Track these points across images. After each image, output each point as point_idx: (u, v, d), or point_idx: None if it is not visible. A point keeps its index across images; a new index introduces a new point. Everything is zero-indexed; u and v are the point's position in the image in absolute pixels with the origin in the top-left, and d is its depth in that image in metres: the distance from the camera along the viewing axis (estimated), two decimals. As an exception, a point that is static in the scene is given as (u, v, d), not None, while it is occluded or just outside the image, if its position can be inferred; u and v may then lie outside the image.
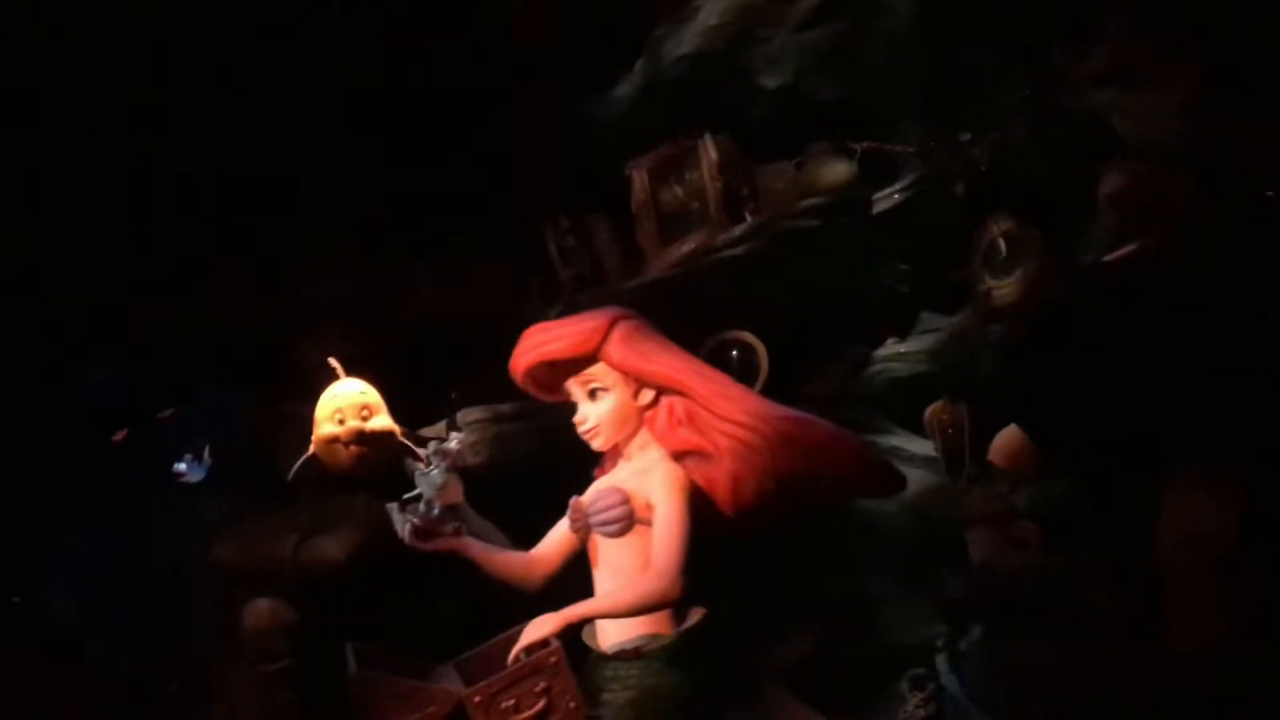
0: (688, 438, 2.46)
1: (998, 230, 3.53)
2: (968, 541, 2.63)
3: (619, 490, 2.44)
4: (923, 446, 3.61)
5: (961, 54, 3.54)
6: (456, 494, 2.49)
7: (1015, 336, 2.54)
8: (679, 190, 4.07)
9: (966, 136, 3.53)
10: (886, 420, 3.75)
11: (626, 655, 2.28)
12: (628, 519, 2.41)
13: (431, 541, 2.51)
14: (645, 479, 2.44)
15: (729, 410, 2.43)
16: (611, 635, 2.31)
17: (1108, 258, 2.44)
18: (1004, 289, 3.49)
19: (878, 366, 3.71)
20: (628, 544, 2.41)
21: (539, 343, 2.60)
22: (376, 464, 3.34)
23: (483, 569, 2.57)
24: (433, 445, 2.53)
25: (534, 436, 3.54)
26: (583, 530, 2.50)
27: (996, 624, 2.30)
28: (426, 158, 4.32)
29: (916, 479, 3.53)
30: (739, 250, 3.73)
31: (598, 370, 2.53)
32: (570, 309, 4.13)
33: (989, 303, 3.51)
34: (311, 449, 3.43)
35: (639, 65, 4.05)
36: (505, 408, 3.61)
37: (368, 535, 3.63)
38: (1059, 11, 3.23)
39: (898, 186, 3.66)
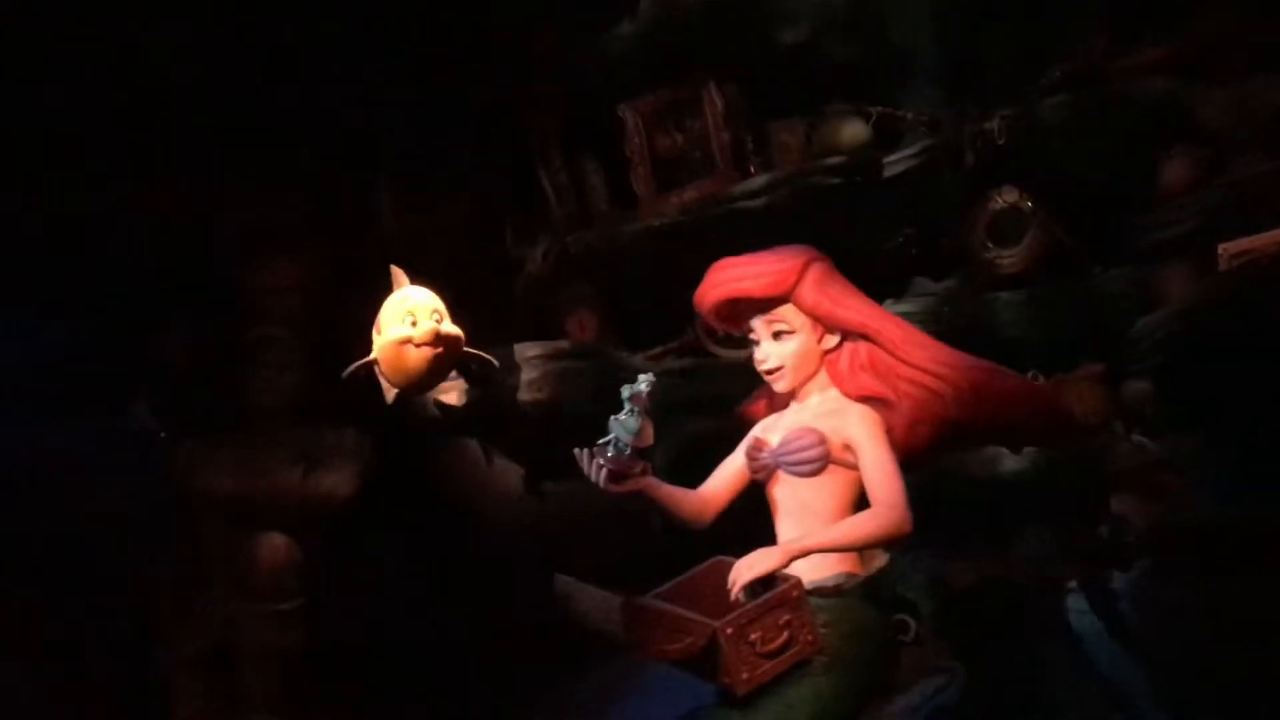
0: (869, 384, 2.47)
1: (1001, 202, 3.74)
2: (1112, 493, 2.77)
3: (816, 431, 2.43)
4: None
5: (983, 29, 3.70)
6: (649, 437, 2.40)
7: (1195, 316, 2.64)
8: (679, 137, 4.06)
9: (979, 110, 3.69)
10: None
11: (826, 592, 2.29)
12: (824, 459, 2.40)
13: (623, 484, 2.41)
14: (838, 420, 2.44)
15: (919, 357, 2.45)
16: (805, 573, 2.30)
17: (1239, 244, 2.60)
18: (1009, 259, 3.69)
19: (878, 325, 3.82)
20: (821, 484, 2.41)
21: (733, 278, 2.53)
22: (445, 369, 3.18)
23: (664, 507, 2.50)
24: (626, 389, 2.42)
25: (594, 376, 3.46)
26: (767, 470, 2.48)
27: (1171, 567, 2.45)
28: (404, 77, 4.09)
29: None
30: (757, 202, 3.76)
31: (786, 311, 2.49)
32: (559, 248, 4.08)
33: (992, 271, 3.71)
34: (374, 354, 3.23)
35: (646, 2, 3.97)
36: (562, 345, 3.51)
37: (367, 471, 3.49)
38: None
39: (908, 152, 3.77)
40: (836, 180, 3.70)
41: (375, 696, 3.24)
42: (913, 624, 3.60)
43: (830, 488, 2.39)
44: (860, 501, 2.42)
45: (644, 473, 2.40)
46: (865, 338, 2.49)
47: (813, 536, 2.28)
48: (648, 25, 3.97)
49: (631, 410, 2.34)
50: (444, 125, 4.17)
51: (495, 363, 3.28)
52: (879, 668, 2.25)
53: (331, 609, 3.25)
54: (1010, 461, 3.49)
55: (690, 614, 2.13)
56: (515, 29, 4.04)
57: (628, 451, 2.34)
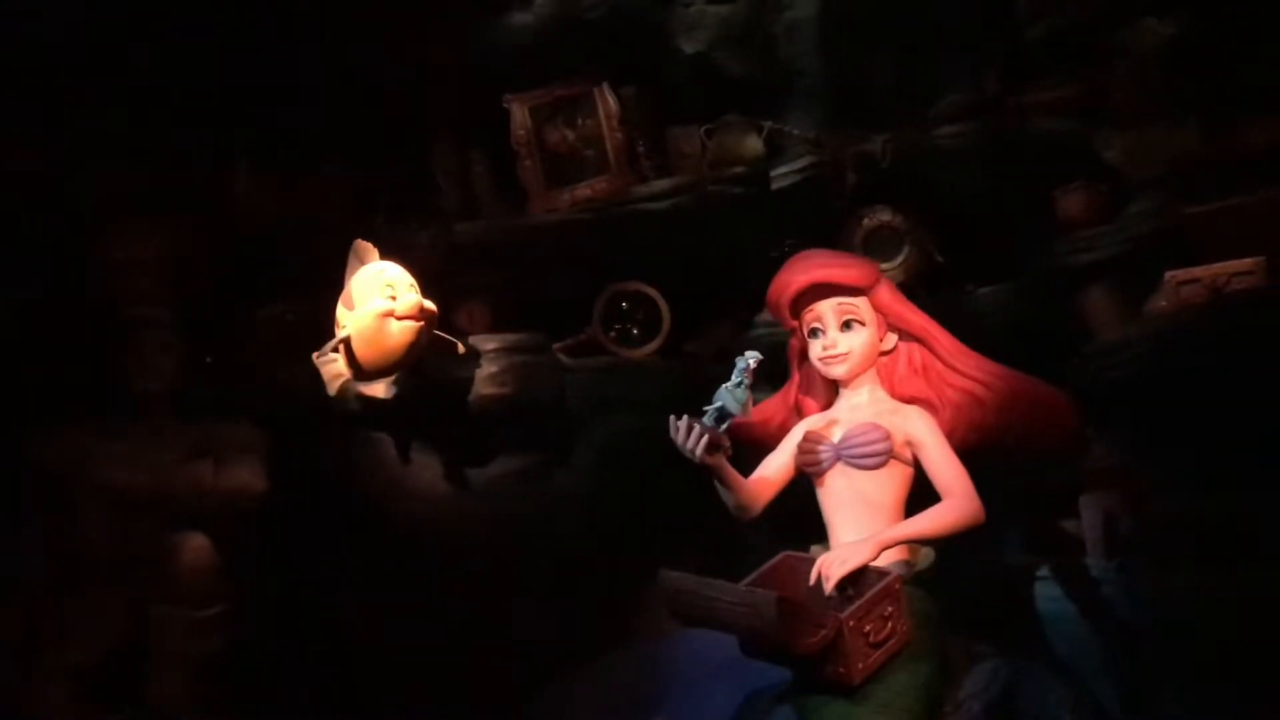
0: (921, 387, 2.62)
1: (875, 221, 4.01)
2: (1085, 494, 3.00)
3: (881, 426, 2.53)
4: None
5: (870, 54, 3.95)
6: (751, 409, 2.43)
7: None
8: (569, 134, 4.06)
9: (861, 132, 3.93)
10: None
11: (892, 582, 2.38)
12: (888, 453, 2.53)
13: (713, 455, 2.41)
14: (897, 418, 2.57)
15: (968, 365, 2.61)
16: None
17: (1188, 273, 2.95)
18: (886, 272, 3.95)
19: (762, 330, 3.99)
20: (881, 477, 2.53)
21: (824, 264, 2.67)
22: (424, 346, 3.04)
23: (728, 487, 2.52)
24: (740, 360, 2.44)
25: (552, 371, 3.37)
26: (827, 462, 2.55)
27: (1158, 555, 2.73)
28: (277, 44, 3.84)
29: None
30: (661, 205, 3.84)
31: (861, 303, 2.65)
32: (444, 236, 3.96)
33: (868, 284, 3.97)
34: (347, 331, 3.01)
35: (547, -3, 3.95)
36: (517, 337, 3.40)
37: (267, 464, 3.25)
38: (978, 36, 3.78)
39: (794, 167, 3.95)
40: (738, 189, 3.85)
41: (294, 703, 3.04)
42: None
43: (890, 481, 2.54)
44: (912, 496, 2.60)
45: (727, 451, 2.45)
46: (923, 342, 2.66)
47: (899, 528, 2.41)
48: (548, 20, 3.95)
49: (740, 382, 2.39)
50: (318, 99, 3.96)
51: (461, 346, 3.18)
52: (944, 654, 2.39)
53: (250, 613, 3.02)
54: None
55: (819, 609, 2.19)
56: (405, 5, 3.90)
57: (727, 423, 2.37)
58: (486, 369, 3.31)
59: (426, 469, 3.33)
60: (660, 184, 3.88)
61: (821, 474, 2.61)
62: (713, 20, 3.99)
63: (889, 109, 3.92)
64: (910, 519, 2.47)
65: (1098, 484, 2.91)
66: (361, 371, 3.12)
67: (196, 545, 2.97)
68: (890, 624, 2.24)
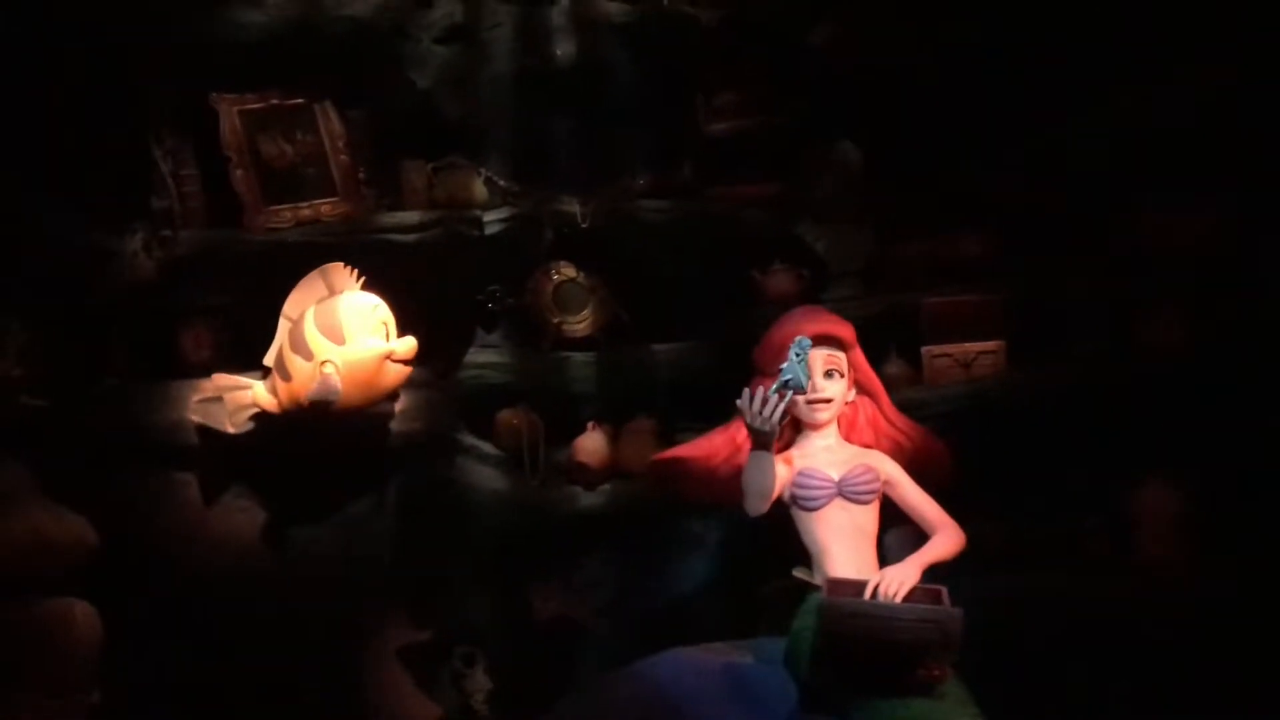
0: (870, 436, 2.99)
1: (561, 276, 4.26)
2: None
3: (873, 467, 2.88)
4: (490, 447, 4.03)
5: (564, 124, 4.22)
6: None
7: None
8: (288, 148, 3.75)
9: (558, 193, 4.17)
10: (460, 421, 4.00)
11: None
12: (879, 491, 2.88)
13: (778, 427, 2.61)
14: (870, 460, 2.95)
15: (899, 421, 3.06)
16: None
17: (941, 348, 3.57)
18: (577, 324, 4.22)
19: (472, 372, 3.99)
20: (869, 510, 2.89)
21: (828, 319, 3.00)
22: None
23: (769, 469, 2.70)
24: (799, 340, 2.66)
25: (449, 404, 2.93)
26: (826, 497, 2.79)
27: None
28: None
29: (491, 476, 4.00)
30: (409, 237, 3.70)
31: (843, 358, 2.98)
32: (164, 245, 3.43)
33: (560, 334, 4.20)
34: (334, 369, 2.44)
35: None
36: (418, 371, 2.94)
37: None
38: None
39: (499, 216, 4.04)
40: (476, 231, 3.86)
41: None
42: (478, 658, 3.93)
43: (874, 513, 2.91)
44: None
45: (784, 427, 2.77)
46: (872, 397, 3.04)
47: (928, 553, 2.80)
48: (281, 22, 3.63)
49: (803, 359, 2.63)
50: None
51: None
52: None
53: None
54: (587, 498, 4.06)
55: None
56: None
57: (789, 397, 2.65)
58: (401, 403, 2.94)
59: (233, 515, 2.84)
60: (407, 216, 3.78)
61: (819, 507, 2.89)
62: (438, 59, 4.00)
63: (590, 174, 4.22)
64: (931, 545, 2.86)
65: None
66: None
67: (84, 613, 2.22)
68: None
